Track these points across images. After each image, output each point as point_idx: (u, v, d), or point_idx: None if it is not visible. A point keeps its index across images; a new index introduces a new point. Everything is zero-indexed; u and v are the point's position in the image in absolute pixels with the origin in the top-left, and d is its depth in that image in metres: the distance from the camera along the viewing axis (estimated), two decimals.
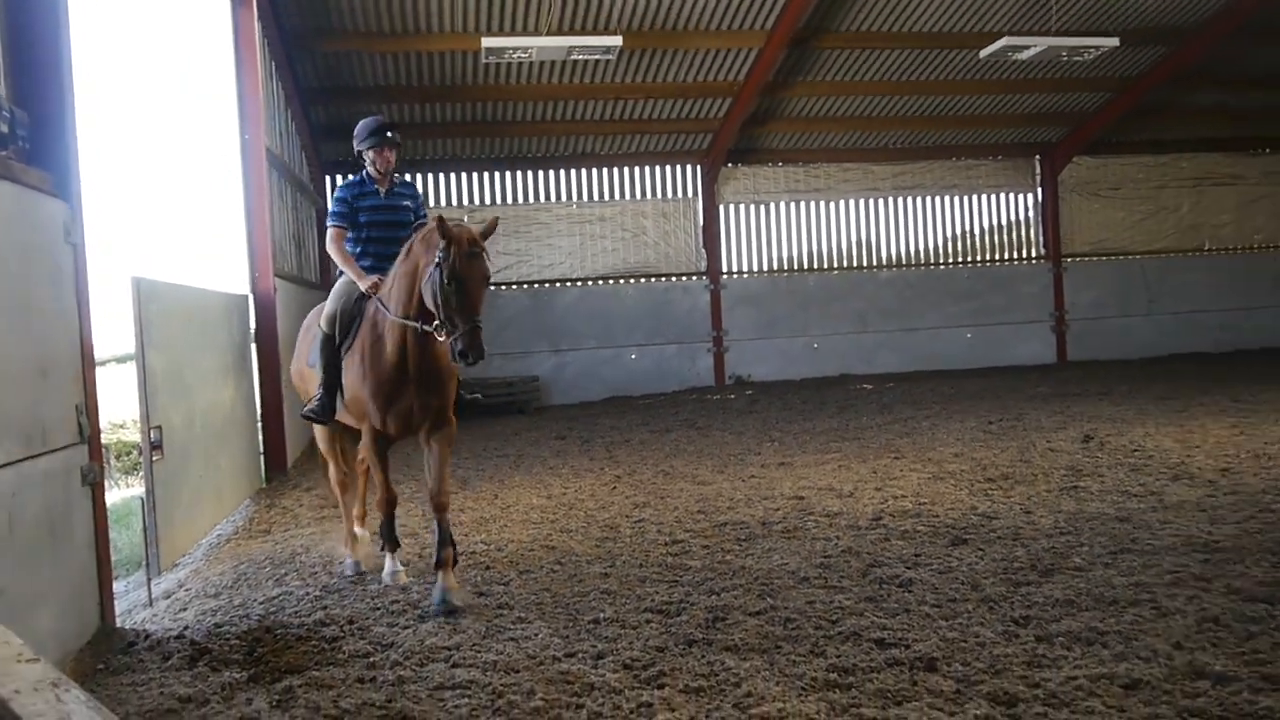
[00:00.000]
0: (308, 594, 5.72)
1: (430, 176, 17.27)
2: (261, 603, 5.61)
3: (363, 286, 5.78)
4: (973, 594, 4.95)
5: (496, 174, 17.61)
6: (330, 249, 6.15)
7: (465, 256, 4.98)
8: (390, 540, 5.86)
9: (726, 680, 3.96)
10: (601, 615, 4.93)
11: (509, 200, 17.61)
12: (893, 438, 10.63)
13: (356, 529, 6.44)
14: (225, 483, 8.74)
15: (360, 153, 6.19)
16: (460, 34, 13.44)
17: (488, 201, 17.50)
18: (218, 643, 4.84)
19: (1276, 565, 5.11)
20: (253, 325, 10.39)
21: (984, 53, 13.27)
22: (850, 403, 14.37)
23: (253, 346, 10.40)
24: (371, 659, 4.49)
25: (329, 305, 6.01)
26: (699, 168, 18.17)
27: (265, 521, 8.25)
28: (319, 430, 6.55)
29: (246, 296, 10.34)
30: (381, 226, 6.14)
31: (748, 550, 6.15)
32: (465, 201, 17.43)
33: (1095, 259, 19.75)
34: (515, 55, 11.64)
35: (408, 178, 6.49)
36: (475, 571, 6.04)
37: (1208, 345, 19.54)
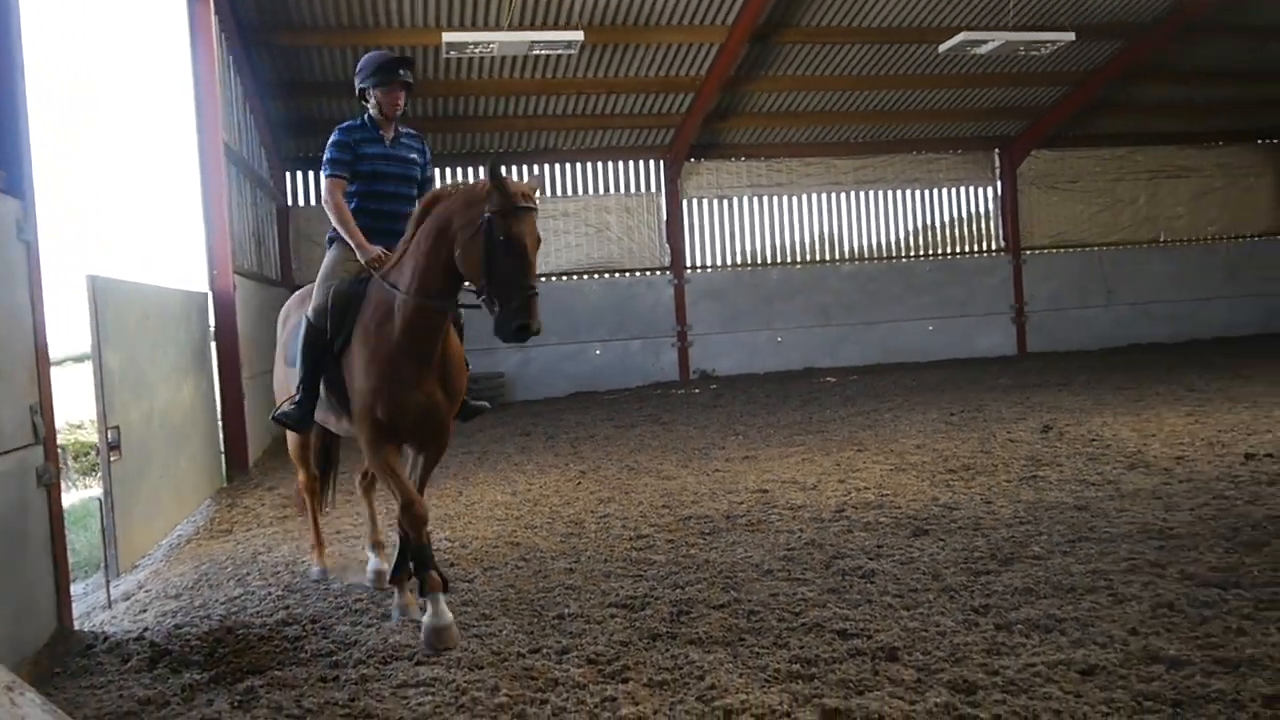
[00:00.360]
0: (270, 593, 5.68)
1: None
2: (223, 603, 5.56)
3: (363, 258, 4.93)
4: (934, 584, 5.01)
5: (459, 170, 17.53)
6: (327, 204, 5.18)
7: (523, 212, 4.30)
8: (426, 565, 4.68)
9: (690, 673, 3.98)
10: (566, 611, 4.94)
11: None
12: (856, 430, 10.71)
13: (371, 558, 5.77)
14: (185, 482, 8.64)
15: (363, 91, 5.29)
16: (421, 29, 13.34)
17: None
18: (178, 644, 4.79)
19: (1229, 551, 5.21)
20: (212, 323, 10.27)
21: (943, 47, 13.38)
22: (814, 396, 14.46)
23: (212, 345, 10.28)
24: (335, 658, 4.47)
25: (317, 296, 5.13)
26: (662, 163, 18.16)
27: (227, 521, 8.17)
28: (291, 432, 5.85)
29: (206, 294, 10.22)
30: (386, 180, 5.27)
31: (712, 544, 6.18)
32: None
33: (1054, 251, 19.99)
34: (476, 50, 11.57)
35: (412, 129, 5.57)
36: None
37: (1164, 335, 19.86)
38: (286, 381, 5.48)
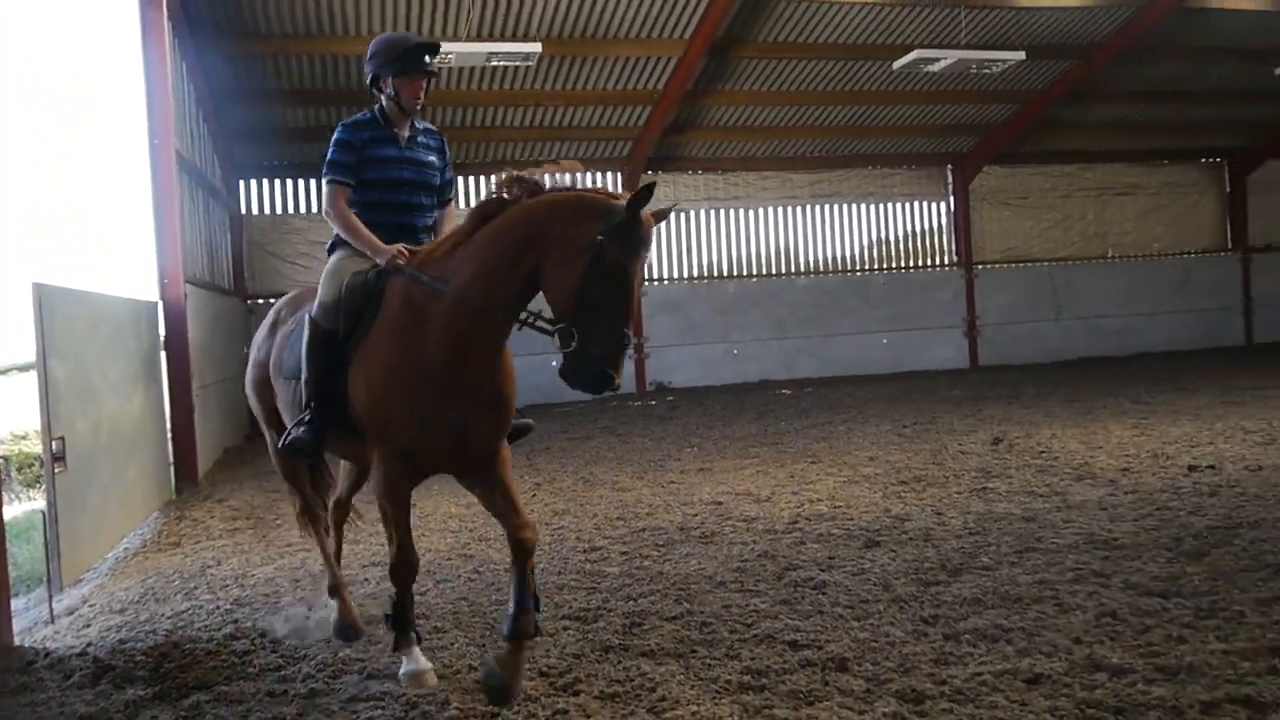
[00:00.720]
0: (218, 607, 5.60)
1: None
2: (169, 617, 5.48)
3: (380, 260, 4.15)
4: (884, 595, 5.06)
5: None
6: (329, 214, 4.41)
7: (644, 245, 3.68)
8: (406, 626, 4.22)
9: (642, 685, 3.99)
10: None
11: None
12: (810, 442, 10.78)
13: (334, 601, 4.97)
14: (133, 494, 8.50)
15: (375, 79, 4.48)
16: None
17: None
18: (122, 659, 4.71)
19: (1171, 561, 5.32)
20: (162, 333, 10.12)
21: (897, 64, 13.58)
22: (769, 408, 14.54)
23: (163, 354, 10.12)
24: (283, 672, 4.42)
25: (324, 292, 4.32)
26: (619, 175, 18.20)
27: (175, 534, 8.04)
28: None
29: (155, 303, 10.06)
30: (398, 188, 4.47)
31: (666, 556, 6.19)
32: None
33: (1005, 266, 20.30)
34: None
35: (431, 124, 4.83)
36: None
37: (1112, 349, 20.22)
38: (278, 400, 4.70)
